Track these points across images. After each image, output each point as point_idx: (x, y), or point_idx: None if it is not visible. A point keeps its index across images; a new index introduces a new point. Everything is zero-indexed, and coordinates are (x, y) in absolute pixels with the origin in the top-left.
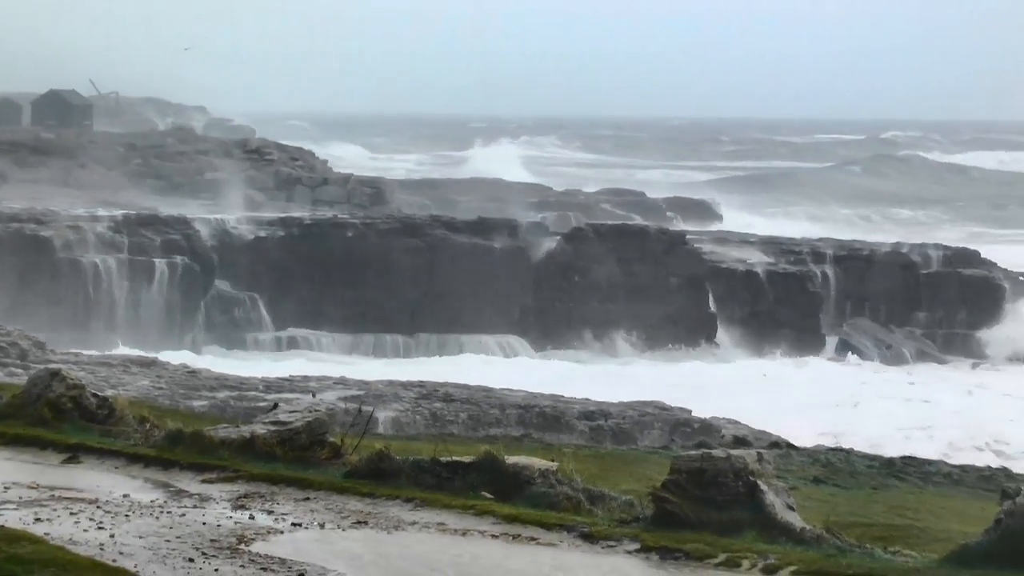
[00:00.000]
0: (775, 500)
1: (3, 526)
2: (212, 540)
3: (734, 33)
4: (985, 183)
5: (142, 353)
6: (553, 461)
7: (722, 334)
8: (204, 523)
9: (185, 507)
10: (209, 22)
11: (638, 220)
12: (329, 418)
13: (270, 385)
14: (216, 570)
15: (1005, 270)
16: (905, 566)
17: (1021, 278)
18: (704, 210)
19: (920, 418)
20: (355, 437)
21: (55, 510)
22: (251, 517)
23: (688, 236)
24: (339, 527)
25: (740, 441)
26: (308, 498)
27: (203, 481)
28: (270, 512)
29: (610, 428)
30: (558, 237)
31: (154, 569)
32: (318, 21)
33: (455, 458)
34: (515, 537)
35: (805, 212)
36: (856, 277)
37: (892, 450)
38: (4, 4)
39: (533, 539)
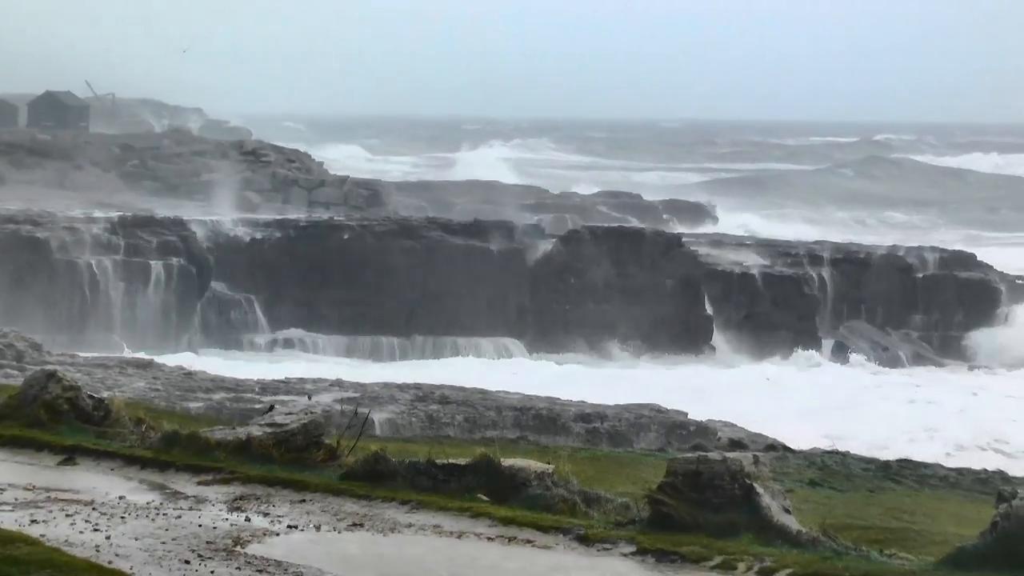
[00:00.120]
0: (771, 503)
1: None
2: (208, 542)
3: (730, 34)
4: (979, 186)
5: (138, 355)
6: (549, 463)
7: (718, 337)
8: (200, 525)
9: (181, 509)
10: (205, 24)
11: (634, 222)
12: (325, 420)
13: (266, 387)
14: (212, 572)
15: (1001, 273)
16: (901, 569)
17: (1019, 281)
18: (699, 212)
19: (921, 420)
20: (351, 439)
21: (51, 512)
22: (247, 519)
23: (684, 239)
24: (335, 529)
25: (736, 444)
26: (304, 500)
27: (199, 483)
28: (266, 514)
29: (606, 430)
30: (554, 239)
31: (150, 571)
32: (314, 23)
33: (451, 460)
34: (511, 539)
35: (799, 215)
36: (852, 280)
37: (895, 453)
38: (0, 5)
39: (529, 541)
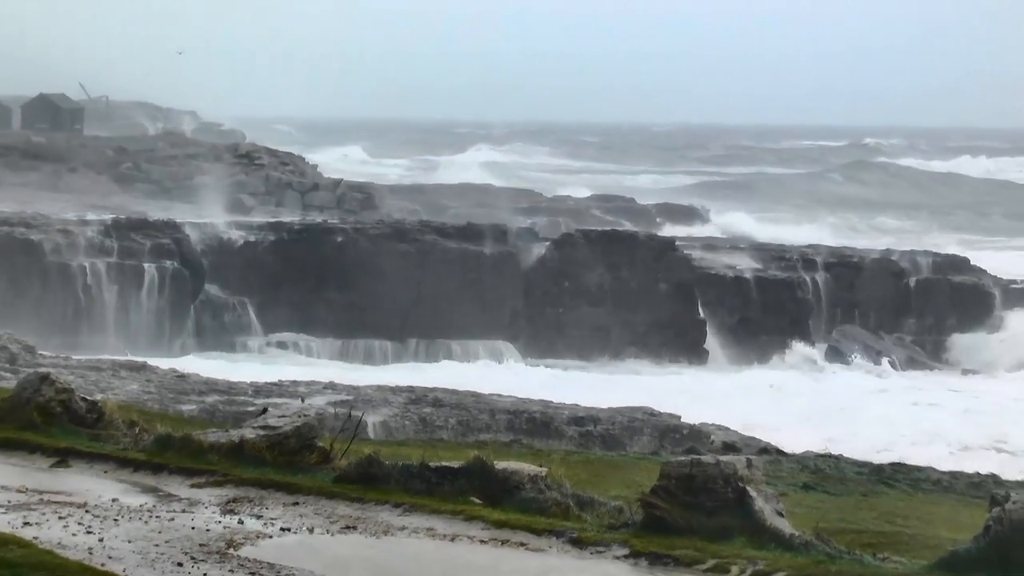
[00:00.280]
0: (764, 506)
1: None
2: (201, 544)
3: (725, 38)
4: (969, 191)
5: (131, 357)
6: (542, 466)
7: (711, 341)
8: (193, 527)
9: (174, 511)
10: (200, 27)
11: (627, 226)
12: (318, 423)
13: (259, 390)
14: (205, 574)
15: (995, 277)
16: (895, 572)
17: (1013, 285)
18: (691, 215)
19: (923, 423)
20: (344, 442)
21: (44, 514)
22: (240, 521)
23: (678, 242)
24: (328, 532)
25: (729, 447)
26: (297, 503)
27: (192, 485)
28: (259, 516)
29: (599, 434)
30: (548, 243)
31: (143, 573)
32: (310, 25)
33: (444, 463)
34: (504, 542)
35: (790, 218)
36: (846, 284)
37: (897, 456)
38: None
39: (522, 544)
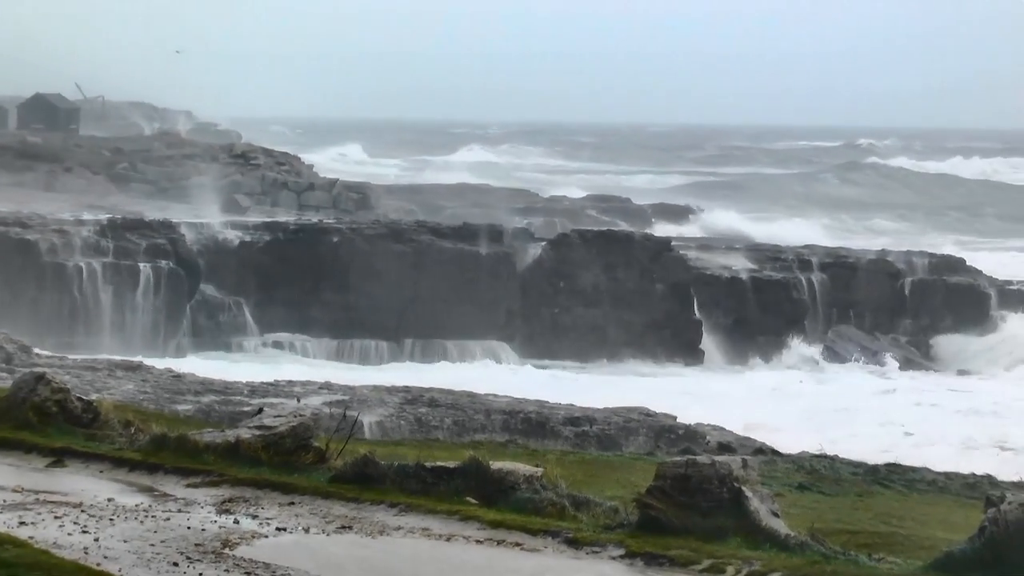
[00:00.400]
0: (760, 506)
1: None
2: (196, 544)
3: (721, 38)
4: (964, 192)
5: (127, 357)
6: (538, 467)
7: (707, 341)
8: (189, 527)
9: (170, 511)
10: (197, 26)
11: (623, 226)
12: (314, 423)
13: (255, 389)
14: (200, 574)
15: (991, 278)
16: (890, 573)
17: (1009, 286)
18: (686, 215)
19: (920, 423)
20: (340, 442)
21: (40, 514)
22: (236, 521)
23: (673, 243)
24: (324, 532)
25: (725, 447)
26: (293, 502)
27: (188, 485)
28: (255, 516)
29: (595, 434)
30: (543, 243)
31: (139, 573)
32: (306, 25)
33: (440, 463)
34: (500, 542)
35: (782, 218)
36: (841, 284)
37: (899, 456)
38: None
39: (518, 544)
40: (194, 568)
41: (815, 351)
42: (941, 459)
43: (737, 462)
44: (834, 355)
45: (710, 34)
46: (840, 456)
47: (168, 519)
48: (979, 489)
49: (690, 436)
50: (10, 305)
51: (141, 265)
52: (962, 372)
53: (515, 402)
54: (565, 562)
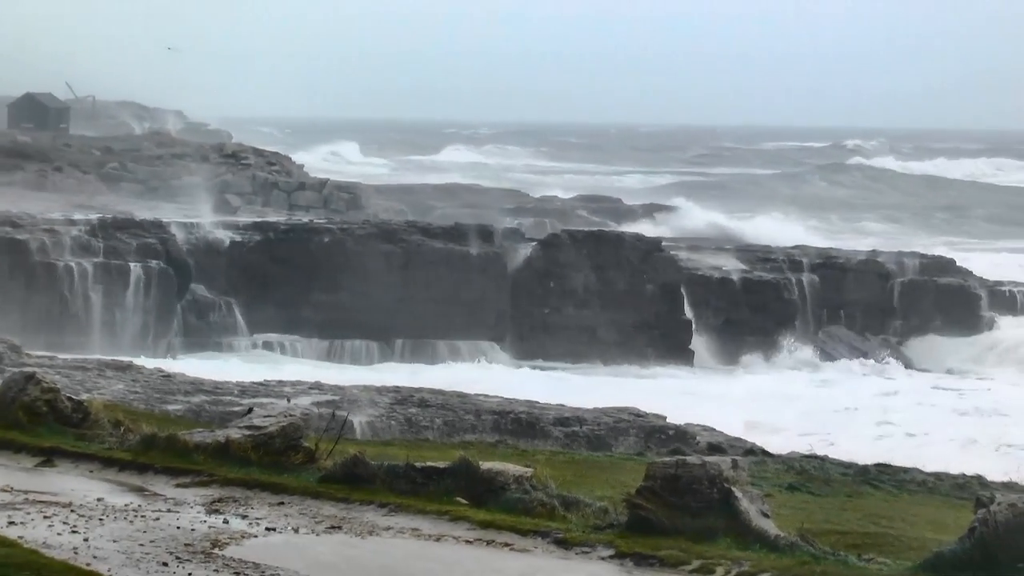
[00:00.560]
0: (749, 507)
1: None
2: (186, 544)
3: (712, 38)
4: (954, 193)
5: (117, 357)
6: (528, 467)
7: (697, 341)
8: (178, 527)
9: (159, 511)
10: (189, 27)
11: (613, 226)
12: (304, 423)
13: (245, 390)
14: (190, 574)
15: (981, 279)
16: (879, 573)
17: (999, 287)
18: (676, 216)
19: (916, 423)
20: (330, 442)
21: (29, 513)
22: (225, 521)
23: (664, 243)
24: (313, 532)
25: (715, 448)
26: (282, 503)
27: (177, 485)
28: (244, 516)
29: (585, 434)
30: (534, 243)
31: (128, 573)
32: (301, 25)
33: (430, 463)
34: (489, 543)
35: (768, 218)
36: (832, 285)
37: (896, 456)
38: None
39: (507, 545)
40: (183, 568)
41: (806, 351)
42: (942, 459)
43: (727, 462)
44: (825, 356)
45: (703, 35)
46: (831, 457)
47: (158, 519)
48: (969, 490)
49: (680, 436)
50: (0, 305)
51: (131, 265)
52: (951, 372)
53: (505, 402)
54: (555, 562)
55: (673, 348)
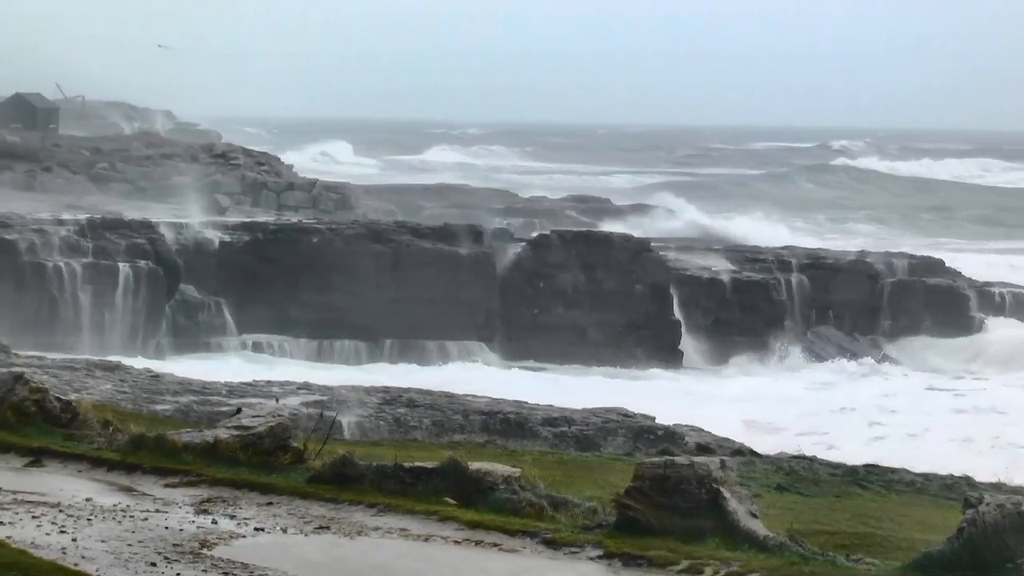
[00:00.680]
0: (738, 507)
1: None
2: (174, 544)
3: (703, 39)
4: (939, 193)
5: (106, 357)
6: (516, 467)
7: (686, 341)
8: (167, 527)
9: (148, 511)
10: (181, 28)
11: (602, 227)
12: (293, 423)
13: (234, 390)
14: (178, 574)
15: (970, 279)
16: (867, 573)
17: (988, 288)
18: (665, 216)
19: (910, 423)
20: (318, 442)
21: (17, 513)
22: (214, 522)
23: (653, 243)
24: (302, 532)
25: (703, 448)
26: (271, 503)
27: (166, 485)
28: (233, 516)
29: (573, 434)
30: (523, 244)
31: (116, 573)
32: (294, 25)
33: (418, 463)
34: (478, 543)
35: (757, 219)
36: (821, 285)
37: (893, 456)
38: None
39: (496, 545)
40: (172, 568)
41: (795, 351)
42: (942, 458)
43: (716, 463)
44: (813, 356)
45: (703, 35)
46: (821, 458)
47: (146, 519)
48: (957, 490)
49: (668, 437)
50: None
51: (120, 265)
52: (940, 372)
53: (494, 402)
54: (543, 563)
55: (662, 348)
